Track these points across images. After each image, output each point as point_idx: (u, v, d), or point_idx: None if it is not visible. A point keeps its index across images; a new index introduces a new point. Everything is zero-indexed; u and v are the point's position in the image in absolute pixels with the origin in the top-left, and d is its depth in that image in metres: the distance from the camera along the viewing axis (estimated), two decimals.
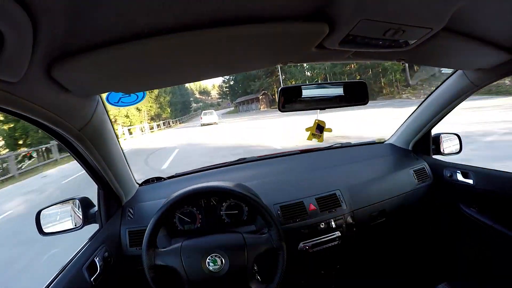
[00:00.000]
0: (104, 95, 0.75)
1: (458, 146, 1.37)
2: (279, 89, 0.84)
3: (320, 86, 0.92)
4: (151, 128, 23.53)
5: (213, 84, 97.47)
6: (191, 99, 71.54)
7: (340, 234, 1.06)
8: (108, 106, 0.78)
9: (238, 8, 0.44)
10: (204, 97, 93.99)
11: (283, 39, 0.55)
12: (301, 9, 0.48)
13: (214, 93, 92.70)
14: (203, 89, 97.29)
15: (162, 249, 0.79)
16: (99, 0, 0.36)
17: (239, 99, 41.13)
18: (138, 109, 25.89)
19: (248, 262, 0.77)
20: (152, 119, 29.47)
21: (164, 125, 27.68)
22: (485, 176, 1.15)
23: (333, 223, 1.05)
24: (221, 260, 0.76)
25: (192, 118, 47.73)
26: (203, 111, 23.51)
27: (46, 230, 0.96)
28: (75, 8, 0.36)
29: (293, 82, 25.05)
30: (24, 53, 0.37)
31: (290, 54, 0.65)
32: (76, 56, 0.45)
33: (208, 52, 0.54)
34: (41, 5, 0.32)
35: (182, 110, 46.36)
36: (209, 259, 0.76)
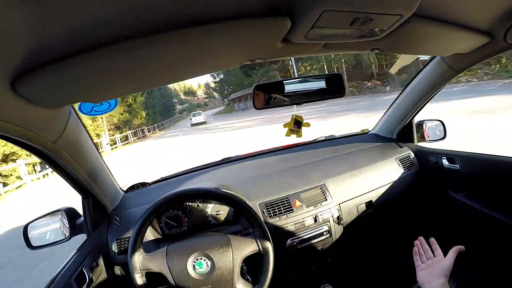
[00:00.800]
0: (76, 105, 0.75)
1: (443, 132, 1.38)
2: (253, 86, 0.83)
3: (296, 81, 0.91)
4: (123, 140, 17.96)
5: (198, 84, 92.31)
6: (175, 100, 65.65)
7: (327, 228, 1.07)
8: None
9: (198, 8, 0.44)
10: (189, 98, 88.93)
11: (246, 36, 0.55)
12: (260, 4, 0.47)
13: (200, 92, 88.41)
14: (188, 89, 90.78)
15: (148, 254, 0.79)
16: (54, 16, 0.36)
17: (233, 95, 33.43)
18: (94, 119, 16.39)
19: (234, 263, 0.76)
20: (117, 128, 20.80)
21: (135, 136, 20.47)
22: (470, 160, 1.15)
23: (319, 217, 1.06)
24: (207, 263, 0.76)
25: (177, 121, 41.70)
26: (192, 113, 28.67)
27: (34, 244, 0.97)
28: (31, 26, 0.36)
29: (307, 67, 21.73)
30: None
31: (256, 51, 0.65)
32: (39, 69, 0.45)
33: (174, 55, 0.54)
34: None
35: (164, 114, 38.93)
36: (194, 261, 0.76)
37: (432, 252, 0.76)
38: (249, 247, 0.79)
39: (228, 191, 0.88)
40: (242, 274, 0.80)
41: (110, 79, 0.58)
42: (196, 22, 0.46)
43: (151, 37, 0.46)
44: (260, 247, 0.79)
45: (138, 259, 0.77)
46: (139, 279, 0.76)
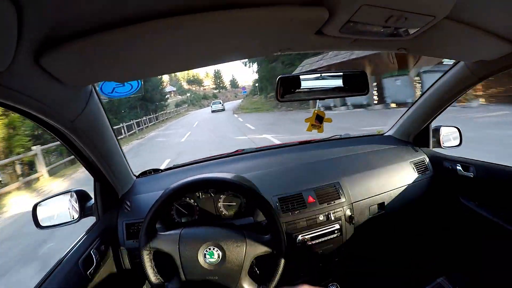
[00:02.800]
0: (97, 86, 0.74)
1: (458, 139, 1.36)
2: (278, 78, 0.82)
3: (319, 75, 0.90)
4: None
5: (206, 73, 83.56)
6: (167, 89, 45.57)
7: (339, 227, 1.06)
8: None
9: None
10: (194, 87, 76.51)
11: (280, 25, 0.53)
12: None
13: (209, 82, 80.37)
14: (193, 77, 77.42)
15: (161, 233, 0.78)
16: None
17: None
18: None
19: (246, 260, 0.75)
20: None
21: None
22: (485, 169, 1.14)
23: (332, 215, 1.05)
24: (218, 254, 0.75)
25: (166, 120, 24.93)
26: (212, 101, 35.94)
27: (42, 224, 0.96)
28: None
29: None
30: (10, 40, 0.36)
31: (289, 41, 0.63)
32: (65, 43, 0.44)
33: (203, 38, 0.52)
34: None
35: (144, 108, 23.48)
36: (206, 250, 0.75)
37: None
38: (263, 247, 0.78)
39: (244, 182, 0.86)
40: (250, 272, 0.78)
41: (137, 58, 0.56)
42: (234, 5, 0.44)
43: (181, 17, 0.44)
44: (275, 249, 0.77)
45: (151, 236, 0.76)
46: (146, 256, 0.75)
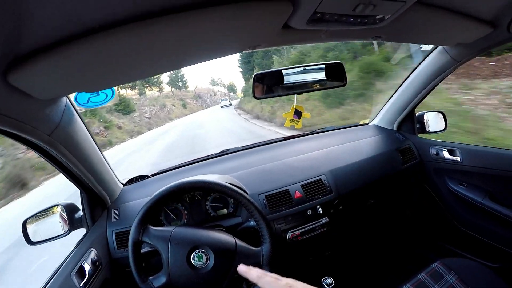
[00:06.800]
0: (72, 97, 0.73)
1: (443, 124, 1.37)
2: (253, 75, 0.82)
3: (296, 70, 0.90)
4: None
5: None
6: None
7: (328, 220, 1.06)
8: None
9: None
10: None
11: (246, 21, 0.53)
12: None
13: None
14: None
15: (153, 228, 0.78)
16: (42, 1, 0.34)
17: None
18: None
19: (232, 269, 0.75)
20: None
21: None
22: (471, 152, 1.15)
23: (320, 209, 1.05)
24: (207, 258, 0.75)
25: None
26: (221, 99, 40.67)
27: (33, 239, 0.96)
28: (18, 12, 0.34)
29: None
30: None
31: (257, 38, 0.63)
32: (32, 58, 0.44)
33: (171, 40, 0.52)
34: None
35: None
36: (195, 252, 0.75)
37: None
38: (252, 259, 0.77)
39: (229, 183, 0.86)
40: (233, 282, 0.77)
41: (105, 66, 0.56)
42: (195, 5, 0.45)
43: (147, 21, 0.44)
44: (264, 261, 0.77)
45: (142, 230, 0.76)
46: (134, 248, 0.75)
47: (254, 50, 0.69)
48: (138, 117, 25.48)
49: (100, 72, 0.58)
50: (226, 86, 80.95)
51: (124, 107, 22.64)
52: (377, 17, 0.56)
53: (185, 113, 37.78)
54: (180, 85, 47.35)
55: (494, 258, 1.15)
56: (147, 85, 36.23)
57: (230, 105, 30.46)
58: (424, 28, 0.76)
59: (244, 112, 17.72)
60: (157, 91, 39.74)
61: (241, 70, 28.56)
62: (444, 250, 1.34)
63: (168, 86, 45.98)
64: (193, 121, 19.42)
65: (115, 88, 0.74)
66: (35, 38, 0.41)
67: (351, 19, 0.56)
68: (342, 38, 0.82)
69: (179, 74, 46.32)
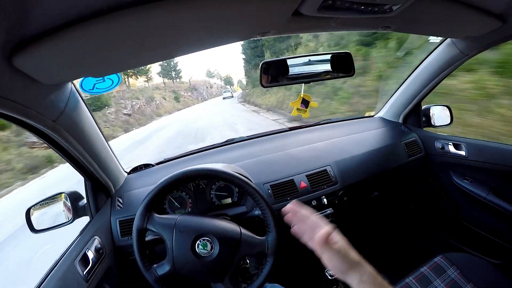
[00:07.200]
0: (77, 83, 0.72)
1: (449, 118, 1.36)
2: (261, 63, 0.81)
3: (304, 60, 0.88)
4: None
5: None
6: None
7: (332, 211, 1.06)
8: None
9: None
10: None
11: (257, 7, 0.52)
12: None
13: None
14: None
15: (158, 215, 0.77)
16: None
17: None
18: None
19: (237, 258, 0.75)
20: None
21: None
22: (477, 147, 1.14)
23: (325, 200, 1.05)
24: (212, 247, 0.74)
25: None
26: (223, 90, 40.59)
27: (37, 227, 0.96)
28: None
29: None
30: None
31: (267, 24, 0.62)
32: (37, 42, 0.43)
33: (180, 24, 0.51)
34: None
35: None
36: (200, 241, 0.75)
37: None
38: (257, 248, 0.77)
39: (234, 172, 0.86)
40: (237, 270, 0.77)
41: (112, 51, 0.55)
42: None
43: (156, 3, 0.43)
44: (268, 250, 0.77)
45: (147, 217, 0.76)
46: (138, 235, 0.75)
47: (262, 38, 0.68)
48: (113, 114, 19.01)
49: (107, 56, 0.57)
50: (223, 78, 78.99)
51: (94, 100, 16.67)
52: (386, 7, 0.56)
53: (178, 108, 31.46)
54: (173, 75, 41.23)
55: (496, 254, 1.15)
56: (131, 74, 27.41)
57: (232, 96, 32.35)
58: (434, 20, 0.75)
59: (254, 106, 14.71)
60: (144, 81, 33.31)
61: (243, 57, 24.68)
62: (447, 244, 1.35)
63: (160, 76, 39.95)
64: (189, 118, 15.02)
65: (121, 74, 0.73)
66: (41, 21, 0.40)
67: (362, 7, 0.55)
68: (352, 27, 0.81)
69: (172, 63, 39.94)
